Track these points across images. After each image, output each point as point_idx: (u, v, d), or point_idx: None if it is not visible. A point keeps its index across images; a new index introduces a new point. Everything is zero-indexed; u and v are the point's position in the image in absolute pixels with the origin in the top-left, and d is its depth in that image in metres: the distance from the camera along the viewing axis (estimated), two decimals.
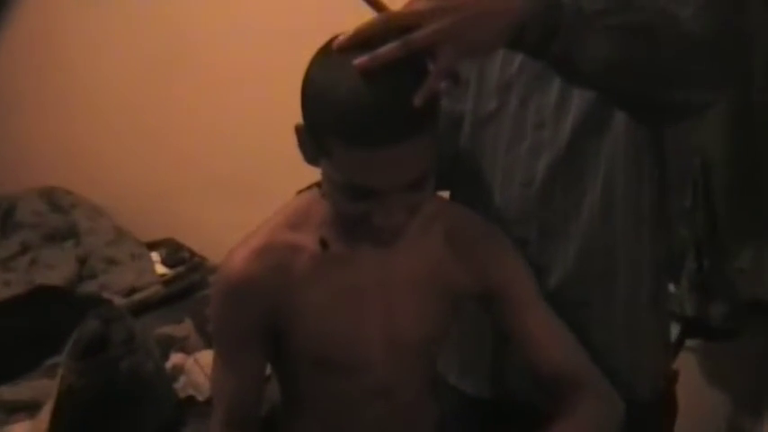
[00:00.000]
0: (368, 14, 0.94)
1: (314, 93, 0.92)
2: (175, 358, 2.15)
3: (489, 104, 1.27)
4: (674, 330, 1.81)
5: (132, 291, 2.50)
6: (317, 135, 0.93)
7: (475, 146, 1.30)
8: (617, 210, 1.20)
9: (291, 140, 1.03)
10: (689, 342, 1.90)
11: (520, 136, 1.25)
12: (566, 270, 1.24)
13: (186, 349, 2.21)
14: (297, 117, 0.99)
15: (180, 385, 2.07)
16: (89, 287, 2.53)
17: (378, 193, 0.94)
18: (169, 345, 2.20)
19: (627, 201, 1.20)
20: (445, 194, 1.32)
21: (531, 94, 1.23)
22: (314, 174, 1.07)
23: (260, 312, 1.09)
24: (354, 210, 0.97)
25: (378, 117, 0.87)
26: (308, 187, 1.16)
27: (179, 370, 2.11)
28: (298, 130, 0.98)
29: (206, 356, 2.09)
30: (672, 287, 1.73)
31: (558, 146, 1.21)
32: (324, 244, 1.11)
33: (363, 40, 0.90)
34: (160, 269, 2.65)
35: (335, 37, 0.93)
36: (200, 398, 2.01)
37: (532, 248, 1.24)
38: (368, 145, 0.88)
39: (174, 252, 2.72)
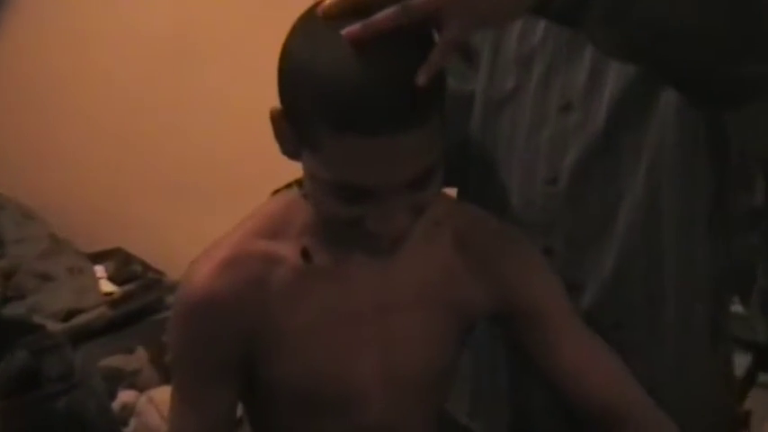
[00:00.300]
0: None
1: (294, 69, 0.91)
2: (125, 396, 2.14)
3: (505, 83, 1.26)
4: (743, 361, 1.79)
5: (71, 314, 2.50)
6: (297, 121, 0.92)
7: (487, 134, 1.28)
8: (663, 214, 1.19)
9: (265, 132, 1.02)
10: (762, 376, 1.87)
11: (542, 121, 1.23)
12: (599, 288, 1.23)
13: (138, 385, 2.20)
14: (272, 103, 0.99)
15: (130, 429, 2.06)
16: (16, 309, 2.52)
17: (373, 193, 0.93)
18: (117, 380, 2.19)
19: (675, 203, 1.19)
20: (452, 193, 1.32)
21: (556, 69, 1.21)
22: (293, 170, 1.07)
23: (229, 339, 1.09)
24: (344, 213, 0.96)
25: (373, 99, 0.86)
26: (287, 186, 1.15)
27: (129, 410, 2.10)
28: (273, 115, 0.97)
29: (162, 393, 2.09)
30: (738, 308, 1.72)
31: (589, 134, 1.19)
32: (306, 255, 1.10)
33: (355, 5, 0.90)
34: (106, 287, 2.66)
35: (320, 1, 0.93)
36: None
37: (558, 261, 1.23)
38: (361, 133, 0.87)
39: (124, 266, 2.73)
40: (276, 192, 1.15)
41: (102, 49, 2.83)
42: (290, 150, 0.98)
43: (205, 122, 2.70)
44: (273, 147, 1.03)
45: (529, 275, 1.16)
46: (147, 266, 2.77)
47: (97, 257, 2.78)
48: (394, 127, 0.87)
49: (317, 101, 0.87)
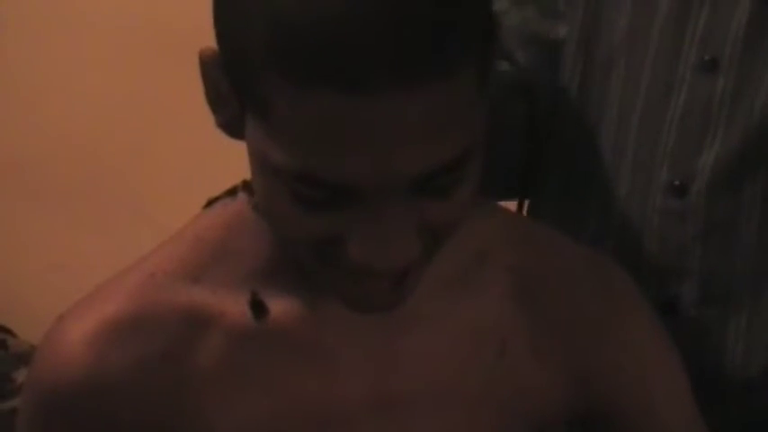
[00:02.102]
0: None
1: None
2: None
3: (617, 22, 1.10)
4: None
5: None
6: (241, 69, 0.78)
7: (582, 109, 1.14)
8: None
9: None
10: None
11: (670, 84, 1.07)
12: (735, 362, 1.10)
13: None
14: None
15: None
16: None
17: (358, 196, 0.77)
18: None
19: None
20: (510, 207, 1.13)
21: (696, 4, 1.06)
22: (229, 174, 0.99)
23: None
24: (310, 229, 0.80)
25: (362, 28, 0.72)
26: (228, 193, 0.96)
27: None
28: (204, 59, 0.83)
29: None
30: None
31: (744, 111, 1.05)
32: (258, 308, 0.91)
33: None
34: None
35: None
36: None
37: (686, 322, 1.09)
38: (339, 88, 0.72)
39: None
40: (211, 202, 0.96)
41: None
42: (228, 119, 0.83)
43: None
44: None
45: (638, 360, 1.01)
46: None
47: None
48: (396, 77, 0.72)
49: (271, 33, 0.74)
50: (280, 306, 0.91)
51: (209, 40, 0.93)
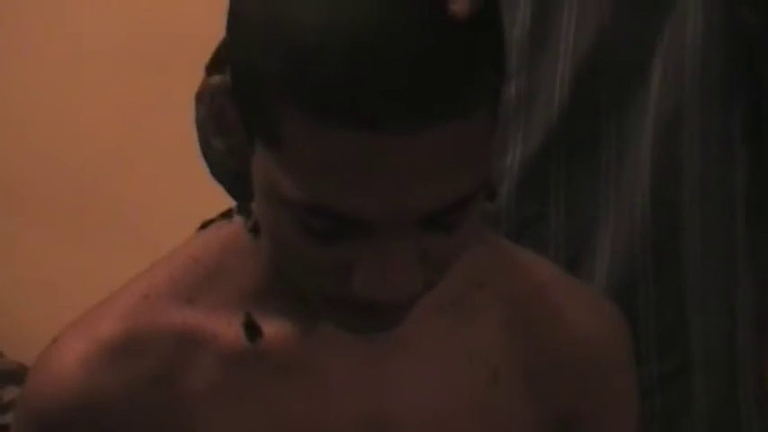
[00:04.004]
0: None
1: (257, 15, 0.76)
2: None
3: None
4: None
5: None
6: (258, 100, 0.77)
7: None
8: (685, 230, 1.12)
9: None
10: None
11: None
12: None
13: None
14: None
15: None
16: None
17: (367, 229, 0.77)
18: None
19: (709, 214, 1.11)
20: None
21: None
22: (218, 192, 1.03)
23: None
24: (317, 258, 0.80)
25: (381, 66, 0.72)
26: (223, 215, 0.96)
27: None
28: (214, 89, 0.83)
29: None
30: None
31: (544, 111, 1.12)
32: (252, 330, 0.92)
33: None
34: None
35: None
36: None
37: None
38: (355, 125, 0.72)
39: None
40: (205, 224, 0.96)
41: None
42: (230, 147, 0.84)
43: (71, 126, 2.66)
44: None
45: (622, 407, 1.02)
46: None
47: None
48: (413, 117, 0.72)
49: (290, 66, 0.74)
50: (273, 328, 0.91)
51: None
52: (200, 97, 0.96)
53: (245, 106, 0.79)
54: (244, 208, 0.92)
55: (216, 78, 0.82)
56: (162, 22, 2.44)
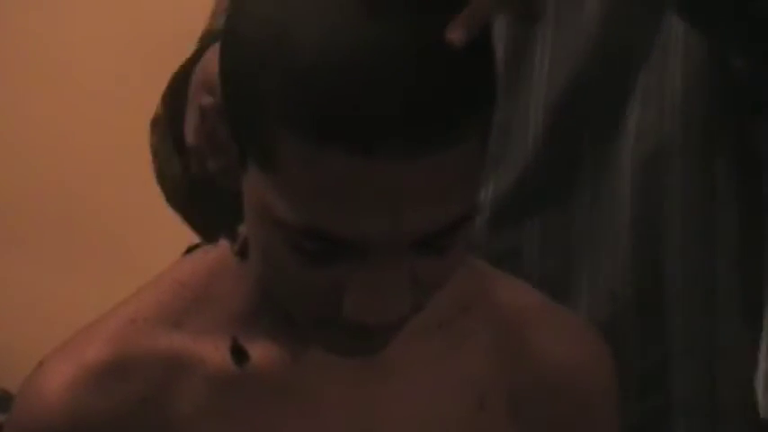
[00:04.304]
0: None
1: (253, 36, 0.76)
2: None
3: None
4: None
5: None
6: (252, 121, 0.77)
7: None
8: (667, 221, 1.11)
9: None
10: None
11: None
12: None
13: None
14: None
15: None
16: None
17: (360, 251, 0.78)
18: None
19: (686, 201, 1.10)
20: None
21: None
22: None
23: None
24: (309, 281, 0.80)
25: (380, 90, 0.72)
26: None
27: None
28: (206, 111, 0.83)
29: None
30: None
31: (519, 148, 1.10)
32: (239, 353, 0.92)
33: None
34: None
35: None
36: None
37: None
38: (353, 150, 0.72)
39: None
40: (191, 249, 0.97)
41: None
42: (222, 167, 0.84)
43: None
44: None
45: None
46: None
47: None
48: (409, 144, 0.73)
49: (286, 89, 0.73)
50: (261, 351, 0.91)
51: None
52: (154, 124, 0.96)
53: (239, 127, 0.78)
54: (218, 234, 0.93)
55: (208, 99, 0.82)
56: (159, 52, 2.39)
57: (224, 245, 0.92)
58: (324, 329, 0.82)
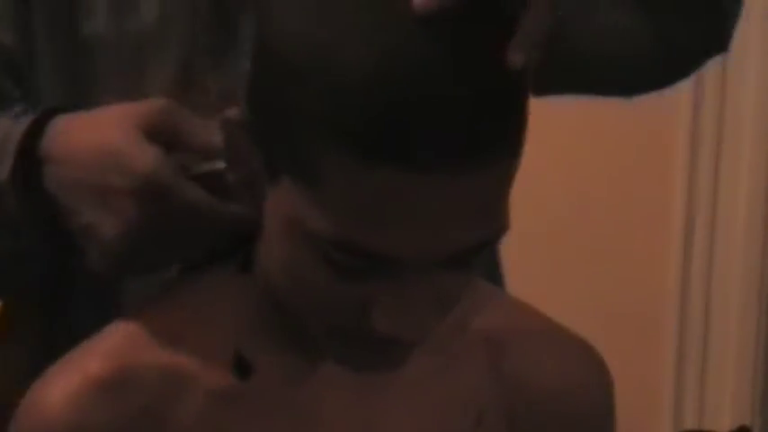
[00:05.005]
0: None
1: (298, 57, 0.74)
2: None
3: None
4: None
5: None
6: (290, 135, 0.75)
7: None
8: None
9: None
10: None
11: None
12: None
13: None
14: None
15: None
16: None
17: (398, 267, 0.76)
18: None
19: None
20: None
21: None
22: None
23: None
24: (338, 297, 0.79)
25: (436, 108, 0.71)
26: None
27: None
28: (227, 125, 0.81)
29: None
30: None
31: None
32: (241, 367, 0.90)
33: None
34: None
35: None
36: None
37: None
38: (404, 166, 0.71)
39: None
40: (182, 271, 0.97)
41: None
42: (244, 182, 0.83)
43: None
44: None
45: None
46: None
47: None
48: (462, 160, 0.72)
49: (332, 106, 0.72)
50: (263, 366, 0.90)
51: None
52: None
53: (270, 140, 0.77)
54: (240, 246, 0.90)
55: (231, 111, 0.81)
56: None
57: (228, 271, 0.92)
58: (343, 343, 0.82)
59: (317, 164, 0.73)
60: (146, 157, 0.86)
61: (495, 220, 0.76)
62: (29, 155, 0.91)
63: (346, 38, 0.72)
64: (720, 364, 2.15)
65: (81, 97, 0.97)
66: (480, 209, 0.74)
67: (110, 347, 0.89)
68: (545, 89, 1.02)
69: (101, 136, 0.88)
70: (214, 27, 1.01)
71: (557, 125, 1.87)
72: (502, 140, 0.73)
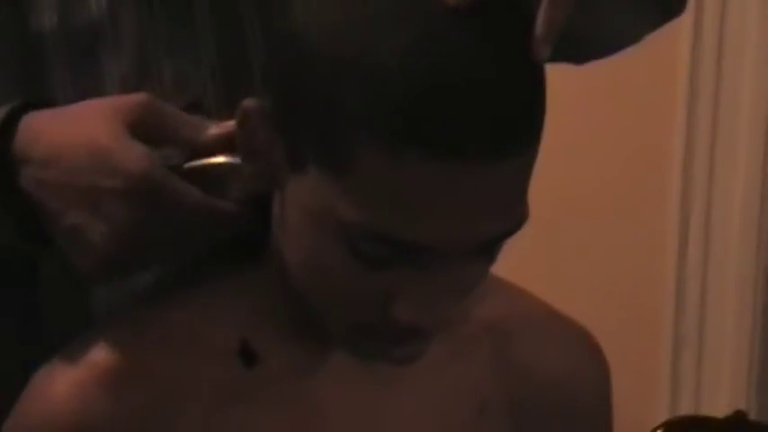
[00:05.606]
0: None
1: (329, 45, 0.73)
2: None
3: None
4: None
5: None
6: (320, 124, 0.74)
7: None
8: None
9: None
10: None
11: None
12: None
13: None
14: None
15: None
16: None
17: (429, 257, 0.75)
18: None
19: None
20: None
21: None
22: None
23: None
24: (361, 287, 0.77)
25: (471, 95, 0.71)
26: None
27: None
28: (248, 111, 0.79)
29: None
30: None
31: None
32: (248, 357, 0.88)
33: None
34: None
35: None
36: None
37: None
38: (436, 153, 0.71)
39: None
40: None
41: None
42: (260, 173, 0.81)
43: None
44: None
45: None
46: None
47: None
48: (495, 148, 0.72)
49: (369, 93, 0.71)
50: (270, 357, 0.89)
51: None
52: None
53: (298, 130, 0.76)
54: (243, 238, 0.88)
55: (251, 101, 0.80)
56: None
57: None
58: (362, 335, 0.81)
59: (348, 152, 0.72)
60: (136, 156, 0.82)
61: (520, 209, 0.76)
62: (1, 156, 0.85)
63: (378, 25, 0.71)
64: (717, 349, 2.15)
65: (35, 94, 0.92)
66: (508, 197, 0.74)
67: (116, 338, 0.88)
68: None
69: (86, 135, 0.83)
70: (165, 13, 0.96)
71: (553, 116, 1.86)
72: (530, 127, 0.73)
